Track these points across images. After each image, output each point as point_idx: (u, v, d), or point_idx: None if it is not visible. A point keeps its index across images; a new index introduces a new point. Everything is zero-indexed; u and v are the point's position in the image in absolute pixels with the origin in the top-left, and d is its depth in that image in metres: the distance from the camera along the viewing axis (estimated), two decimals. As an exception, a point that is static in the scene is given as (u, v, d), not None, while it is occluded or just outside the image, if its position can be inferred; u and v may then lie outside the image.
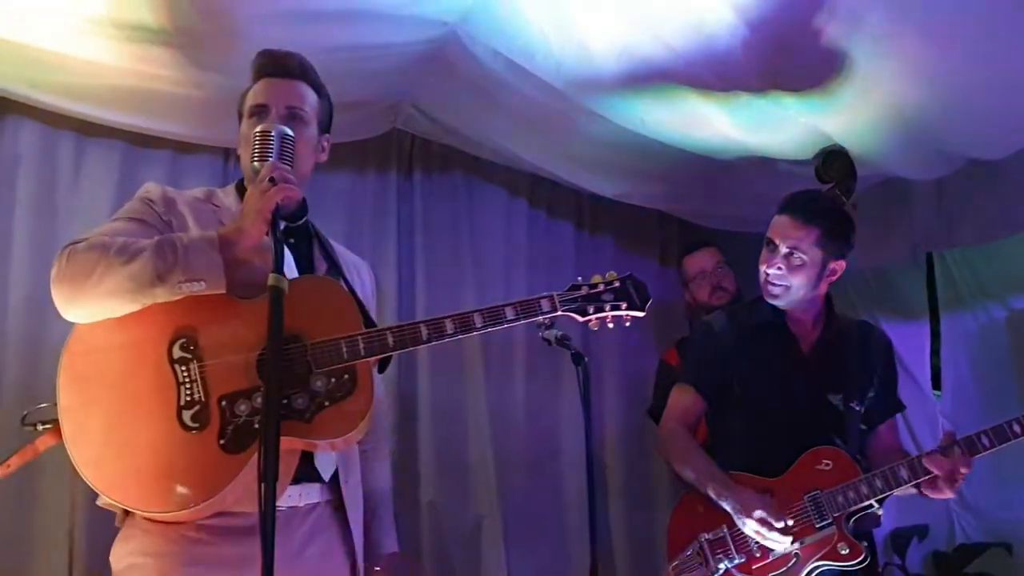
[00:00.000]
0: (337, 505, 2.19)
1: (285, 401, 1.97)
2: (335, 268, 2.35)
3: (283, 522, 1.96)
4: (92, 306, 1.95)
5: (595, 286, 2.35)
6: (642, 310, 2.36)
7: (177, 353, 1.98)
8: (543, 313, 2.27)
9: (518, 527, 4.27)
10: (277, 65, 2.27)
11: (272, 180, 1.95)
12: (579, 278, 2.39)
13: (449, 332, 2.17)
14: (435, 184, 4.48)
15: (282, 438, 1.89)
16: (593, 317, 2.33)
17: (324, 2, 3.03)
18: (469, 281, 4.44)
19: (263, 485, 1.59)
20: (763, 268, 2.88)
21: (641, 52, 3.14)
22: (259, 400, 1.95)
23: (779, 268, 2.82)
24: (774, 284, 2.85)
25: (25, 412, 2.06)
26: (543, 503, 4.39)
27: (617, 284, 2.36)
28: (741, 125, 3.56)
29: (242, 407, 1.97)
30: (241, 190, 2.28)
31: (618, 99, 3.49)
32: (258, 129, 2.05)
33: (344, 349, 2.06)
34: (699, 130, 3.67)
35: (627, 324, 2.38)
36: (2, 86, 3.47)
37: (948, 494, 2.73)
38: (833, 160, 3.57)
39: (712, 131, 3.65)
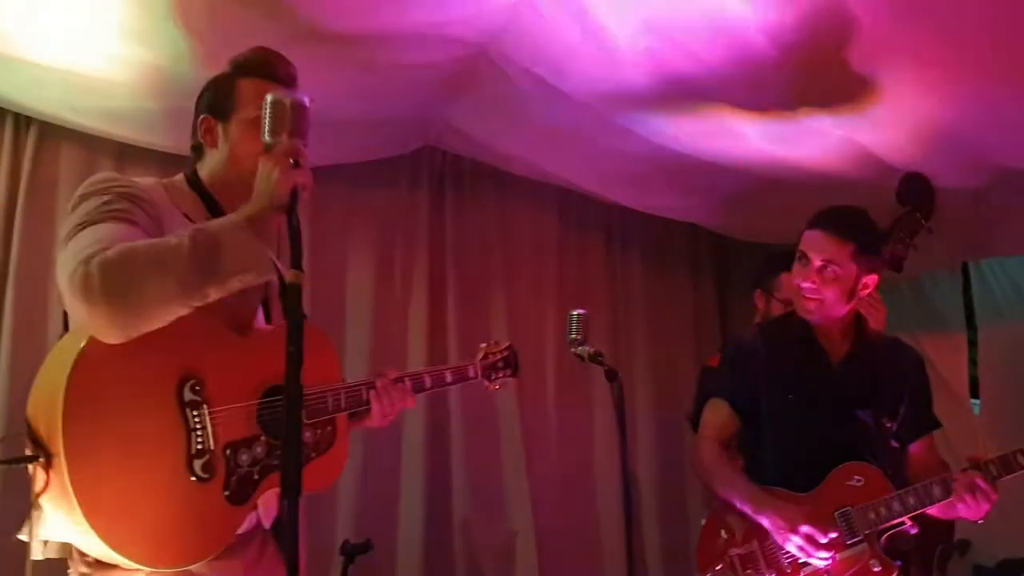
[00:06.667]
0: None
1: (279, 453, 1.86)
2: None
3: (247, 539, 1.97)
4: (139, 320, 1.71)
5: (495, 355, 2.64)
6: (517, 375, 2.70)
7: (188, 396, 1.81)
8: (469, 379, 2.54)
9: (551, 542, 4.26)
10: (284, 73, 2.04)
11: (296, 163, 1.73)
12: (482, 345, 2.66)
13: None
14: (466, 199, 4.50)
15: (269, 492, 1.92)
16: (498, 383, 2.64)
17: (356, 22, 3.05)
18: (500, 295, 4.46)
19: (285, 498, 1.46)
20: (796, 282, 2.87)
21: (673, 67, 3.14)
22: (258, 449, 1.90)
23: (813, 282, 2.80)
24: (808, 298, 2.84)
25: None
26: (576, 518, 4.39)
27: (507, 353, 2.66)
28: (775, 139, 3.55)
29: (243, 456, 1.88)
30: (196, 187, 2.05)
31: (650, 114, 3.50)
32: (270, 98, 1.73)
33: (329, 402, 2.06)
34: (732, 144, 3.66)
35: (498, 388, 2.68)
36: (45, 111, 3.54)
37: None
38: (912, 184, 3.56)
39: (745, 145, 3.64)
